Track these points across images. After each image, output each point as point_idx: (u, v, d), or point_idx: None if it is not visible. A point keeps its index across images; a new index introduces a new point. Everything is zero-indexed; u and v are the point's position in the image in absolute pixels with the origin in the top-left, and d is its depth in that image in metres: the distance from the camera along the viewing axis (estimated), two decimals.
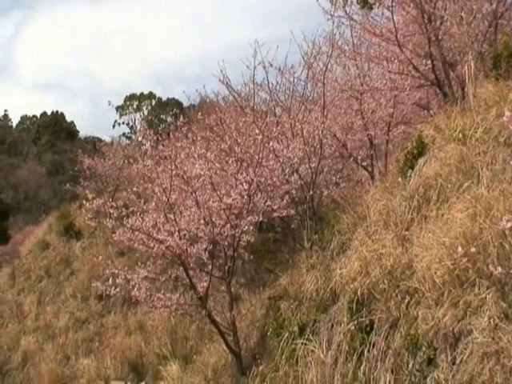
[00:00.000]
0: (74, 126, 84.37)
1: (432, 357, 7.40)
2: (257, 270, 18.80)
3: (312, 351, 10.34)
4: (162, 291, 14.35)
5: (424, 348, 7.53)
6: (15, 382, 23.69)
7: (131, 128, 77.28)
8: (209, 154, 13.94)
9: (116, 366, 20.10)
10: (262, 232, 19.10)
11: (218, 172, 14.46)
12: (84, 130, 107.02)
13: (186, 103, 54.16)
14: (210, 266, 14.06)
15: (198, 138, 15.35)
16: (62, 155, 61.62)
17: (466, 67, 11.30)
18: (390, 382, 8.08)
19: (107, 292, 14.27)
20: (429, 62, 12.68)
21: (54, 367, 21.87)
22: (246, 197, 13.68)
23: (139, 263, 14.90)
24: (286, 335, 11.47)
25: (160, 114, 77.11)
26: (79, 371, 21.18)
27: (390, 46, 13.50)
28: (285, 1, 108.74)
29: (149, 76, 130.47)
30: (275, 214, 15.00)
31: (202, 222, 13.74)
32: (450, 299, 7.30)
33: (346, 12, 13.81)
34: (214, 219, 13.61)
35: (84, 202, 13.73)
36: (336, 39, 15.28)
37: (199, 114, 16.82)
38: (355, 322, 9.37)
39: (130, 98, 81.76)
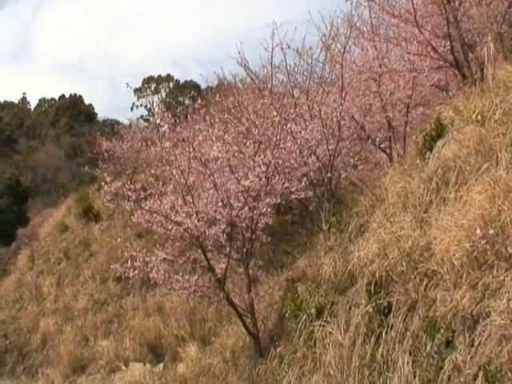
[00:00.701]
0: (93, 108, 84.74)
1: (450, 339, 7.39)
2: (275, 252, 18.84)
3: (330, 333, 10.36)
4: (181, 273, 14.42)
5: (442, 330, 7.53)
6: (35, 363, 23.99)
7: (149, 110, 77.19)
8: (226, 136, 13.93)
9: (135, 347, 20.29)
10: (279, 214, 19.11)
11: (235, 154, 14.44)
12: (102, 112, 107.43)
13: (203, 85, 54.24)
14: (227, 248, 14.10)
15: (216, 121, 15.32)
16: (81, 138, 61.87)
17: (485, 48, 11.20)
18: (407, 363, 8.08)
19: (126, 274, 14.35)
20: (448, 43, 12.59)
21: (73, 349, 22.11)
22: (263, 179, 13.68)
23: (157, 245, 14.94)
24: (304, 317, 11.50)
25: (178, 97, 77.15)
26: (98, 353, 21.41)
27: (408, 27, 13.38)
28: None
29: (166, 58, 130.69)
30: (293, 196, 15.00)
31: (219, 204, 13.76)
32: (469, 281, 7.28)
33: None
34: (231, 201, 13.62)
35: (102, 184, 13.77)
36: (354, 20, 15.15)
37: (217, 96, 16.78)
38: (373, 304, 9.37)
39: (148, 80, 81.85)
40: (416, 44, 13.29)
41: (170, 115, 13.74)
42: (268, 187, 13.90)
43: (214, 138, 13.91)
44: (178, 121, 15.06)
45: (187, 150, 13.26)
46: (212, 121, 15.25)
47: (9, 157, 68.21)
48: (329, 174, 14.69)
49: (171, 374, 17.06)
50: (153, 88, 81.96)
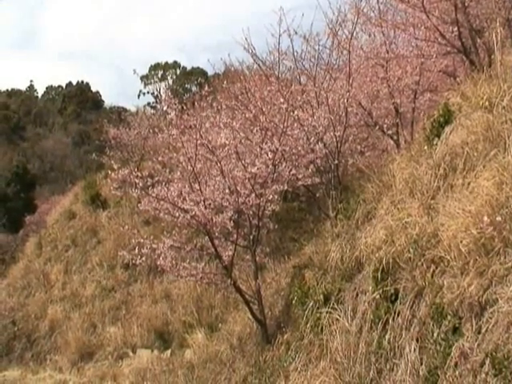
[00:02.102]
0: (99, 95, 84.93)
1: (457, 326, 7.38)
2: (282, 239, 18.86)
3: (337, 320, 10.35)
4: (188, 260, 14.45)
5: (449, 317, 7.52)
6: (43, 349, 24.05)
7: (156, 97, 77.29)
8: (234, 123, 13.89)
9: (142, 333, 20.38)
10: (286, 201, 19.14)
11: (242, 141, 14.41)
12: (109, 99, 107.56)
13: (210, 72, 54.24)
14: (234, 236, 14.10)
15: (223, 107, 15.30)
16: (88, 125, 62.06)
17: (493, 34, 11.15)
18: (414, 350, 8.08)
19: (133, 261, 14.39)
20: (455, 28, 12.53)
21: (80, 335, 22.19)
22: (270, 166, 13.67)
23: (165, 232, 14.98)
24: (311, 304, 11.49)
25: (185, 83, 77.09)
26: (106, 339, 21.50)
27: (416, 13, 13.32)
28: None
29: (173, 45, 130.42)
30: (300, 183, 14.98)
31: (226, 191, 13.75)
32: (476, 268, 7.26)
33: None
34: (238, 188, 13.60)
35: (110, 171, 13.79)
36: (361, 6, 15.08)
37: (224, 82, 16.75)
38: (380, 290, 9.36)
39: (155, 67, 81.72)
40: (424, 30, 13.23)
41: (177, 102, 13.74)
42: (275, 174, 13.88)
43: (221, 125, 13.90)
44: (185, 108, 15.03)
45: (194, 137, 13.24)
46: (219, 108, 15.23)
47: (16, 144, 68.53)
48: (336, 161, 14.67)
49: (178, 361, 17.11)
50: (160, 75, 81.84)
